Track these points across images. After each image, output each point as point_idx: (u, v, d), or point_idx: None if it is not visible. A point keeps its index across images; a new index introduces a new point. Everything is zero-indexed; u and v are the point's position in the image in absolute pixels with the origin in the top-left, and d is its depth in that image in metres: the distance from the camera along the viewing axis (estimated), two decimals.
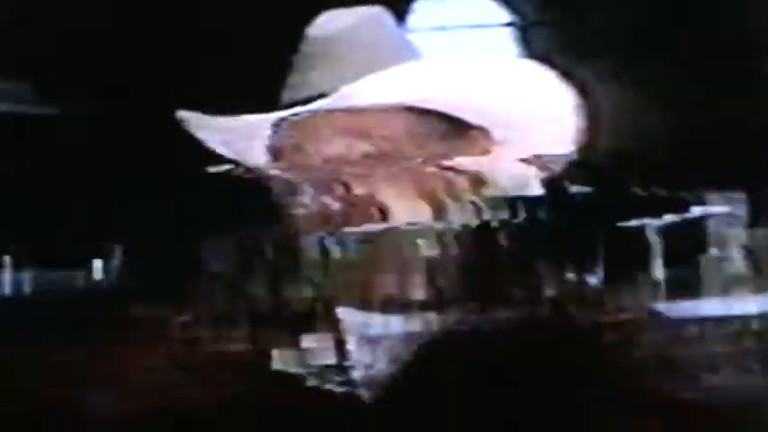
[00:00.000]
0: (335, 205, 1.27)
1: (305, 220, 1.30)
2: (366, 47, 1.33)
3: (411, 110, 1.31)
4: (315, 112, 1.28)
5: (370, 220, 1.28)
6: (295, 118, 1.30)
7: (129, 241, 5.41)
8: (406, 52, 1.36)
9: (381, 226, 1.29)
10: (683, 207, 3.97)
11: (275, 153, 1.36)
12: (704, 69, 5.02)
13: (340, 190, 1.28)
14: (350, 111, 1.28)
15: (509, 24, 6.25)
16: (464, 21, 6.27)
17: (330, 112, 1.28)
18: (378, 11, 1.38)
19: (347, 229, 1.28)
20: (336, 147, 1.29)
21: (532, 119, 1.36)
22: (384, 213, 1.29)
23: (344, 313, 1.35)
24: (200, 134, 1.39)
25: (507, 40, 6.21)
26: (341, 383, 1.32)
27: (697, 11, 5.13)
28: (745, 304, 3.27)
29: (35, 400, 1.38)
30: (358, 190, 1.28)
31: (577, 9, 5.70)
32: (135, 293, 4.57)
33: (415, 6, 5.98)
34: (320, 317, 1.35)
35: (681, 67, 5.07)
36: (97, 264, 5.36)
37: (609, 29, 5.39)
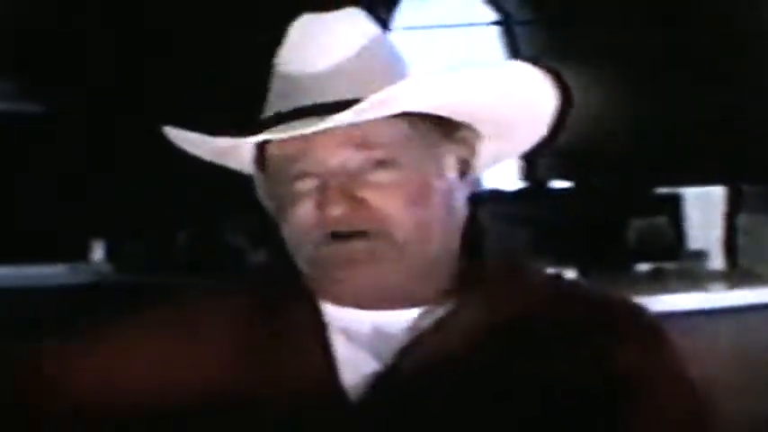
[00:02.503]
0: (337, 210, 1.28)
1: (306, 224, 1.30)
2: (359, 58, 1.33)
3: (404, 117, 1.31)
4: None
5: (368, 223, 1.29)
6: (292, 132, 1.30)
7: (116, 236, 5.42)
8: (395, 58, 1.37)
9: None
10: (664, 203, 4.00)
11: (263, 157, 1.36)
12: (690, 64, 5.02)
13: (344, 198, 1.28)
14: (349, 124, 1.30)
15: (495, 23, 6.27)
16: (450, 20, 6.29)
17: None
18: (354, 12, 1.38)
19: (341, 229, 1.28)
20: (341, 156, 1.29)
21: (518, 116, 1.37)
22: (382, 217, 1.29)
23: (332, 311, 1.34)
24: (187, 147, 1.38)
25: (493, 39, 6.23)
26: (327, 382, 1.30)
27: (683, 8, 5.12)
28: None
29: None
30: (360, 195, 1.29)
31: (562, 8, 5.71)
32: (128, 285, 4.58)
33: (402, 5, 6.00)
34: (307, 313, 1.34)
35: (667, 63, 5.07)
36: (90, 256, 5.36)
37: (592, 27, 5.40)
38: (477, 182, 1.39)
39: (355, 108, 1.24)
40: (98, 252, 5.01)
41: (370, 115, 1.26)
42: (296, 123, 1.27)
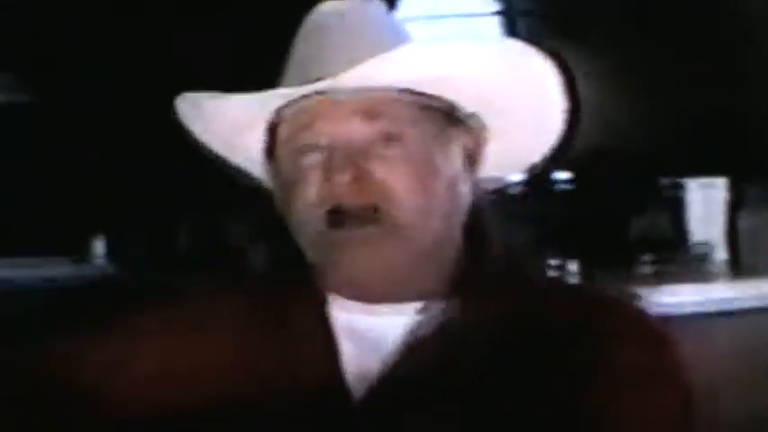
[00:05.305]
0: (343, 178, 1.29)
1: (312, 197, 1.31)
2: (368, 32, 1.35)
3: (412, 95, 1.32)
4: (324, 95, 1.30)
5: (372, 196, 1.29)
6: (305, 101, 1.31)
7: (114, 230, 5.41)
8: (404, 37, 1.39)
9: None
10: (665, 195, 3.99)
11: (273, 142, 1.37)
12: (691, 56, 5.01)
13: (350, 168, 1.29)
14: (359, 93, 1.30)
15: (497, 13, 6.26)
16: (453, 10, 6.28)
17: (340, 93, 1.30)
18: (371, 1, 1.40)
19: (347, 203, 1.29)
20: (348, 127, 1.31)
21: (521, 102, 1.37)
22: (386, 191, 1.30)
23: (337, 307, 1.34)
24: (194, 126, 1.39)
25: (495, 29, 6.22)
26: (331, 379, 1.31)
27: (688, 5, 5.13)
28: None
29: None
30: (366, 167, 1.30)
31: None
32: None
33: None
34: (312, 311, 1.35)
35: (667, 54, 5.07)
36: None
37: (595, 19, 5.39)
38: (482, 185, 1.39)
39: (346, 74, 1.26)
40: (99, 248, 5.00)
41: (368, 81, 1.28)
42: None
